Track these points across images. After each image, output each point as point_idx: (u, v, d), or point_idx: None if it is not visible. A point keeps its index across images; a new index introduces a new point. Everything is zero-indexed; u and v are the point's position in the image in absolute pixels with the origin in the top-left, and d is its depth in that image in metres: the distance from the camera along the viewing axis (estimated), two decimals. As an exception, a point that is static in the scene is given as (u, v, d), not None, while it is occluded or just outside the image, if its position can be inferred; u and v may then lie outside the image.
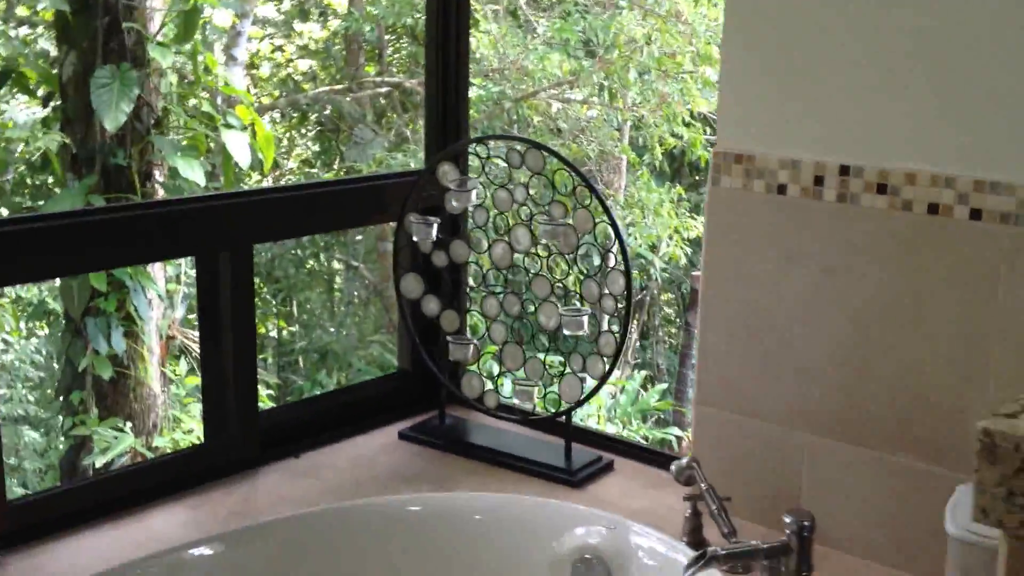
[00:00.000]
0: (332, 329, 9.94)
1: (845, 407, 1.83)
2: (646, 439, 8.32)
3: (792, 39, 1.81)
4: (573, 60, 7.71)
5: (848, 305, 1.80)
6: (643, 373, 9.49)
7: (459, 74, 2.43)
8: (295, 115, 11.70)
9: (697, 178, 11.94)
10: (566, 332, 2.17)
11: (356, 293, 10.34)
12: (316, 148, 12.12)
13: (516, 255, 2.23)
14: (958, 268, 1.68)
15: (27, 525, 1.83)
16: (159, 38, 4.20)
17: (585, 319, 2.15)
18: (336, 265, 10.43)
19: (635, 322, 11.05)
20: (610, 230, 2.11)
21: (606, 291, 2.11)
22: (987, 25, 1.62)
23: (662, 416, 9.66)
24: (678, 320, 13.24)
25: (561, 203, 2.13)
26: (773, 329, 1.90)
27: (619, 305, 2.09)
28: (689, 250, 9.46)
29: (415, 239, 2.30)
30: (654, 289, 11.71)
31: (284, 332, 10.25)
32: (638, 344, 11.15)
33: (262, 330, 10.11)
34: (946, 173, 1.68)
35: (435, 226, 2.28)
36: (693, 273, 10.37)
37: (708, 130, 9.34)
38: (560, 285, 2.22)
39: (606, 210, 2.07)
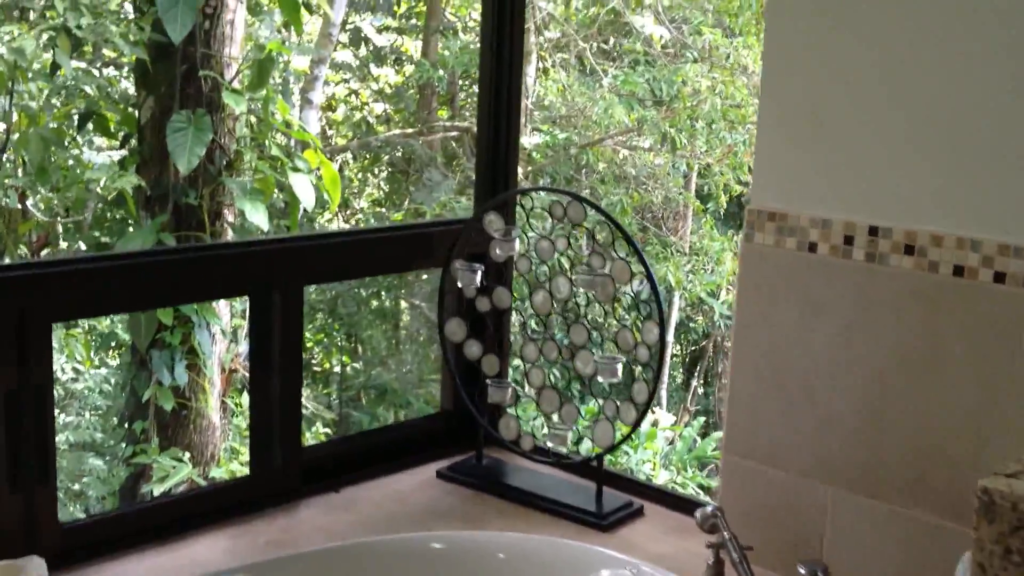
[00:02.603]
0: (393, 366, 10.08)
1: (865, 459, 1.85)
2: (702, 487, 8.24)
3: (825, 103, 1.86)
4: (639, 108, 7.79)
5: (871, 360, 1.83)
6: (701, 419, 9.41)
7: (510, 125, 2.52)
8: (367, 156, 11.98)
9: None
10: (600, 379, 2.22)
11: (419, 331, 10.48)
12: (386, 188, 12.38)
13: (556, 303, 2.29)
14: (980, 329, 1.70)
15: (77, 546, 1.93)
16: (234, 85, 4.38)
17: (619, 367, 2.20)
18: (402, 304, 10.60)
19: (698, 368, 10.98)
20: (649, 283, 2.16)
21: (641, 340, 2.16)
22: (1019, 92, 1.65)
23: (719, 464, 9.57)
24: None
25: (600, 255, 2.20)
26: (798, 381, 1.93)
27: (653, 354, 2.14)
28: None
29: (460, 285, 2.38)
30: (717, 336, 11.65)
31: (348, 368, 10.42)
32: (701, 391, 11.07)
33: (326, 364, 10.30)
34: (972, 236, 1.70)
35: (479, 273, 2.35)
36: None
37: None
38: (598, 333, 2.28)
39: (642, 261, 2.13)
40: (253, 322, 2.18)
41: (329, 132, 12.25)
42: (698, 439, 8.63)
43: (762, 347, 1.97)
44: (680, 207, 9.74)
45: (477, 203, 2.55)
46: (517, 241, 2.33)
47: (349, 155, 12.02)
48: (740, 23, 7.23)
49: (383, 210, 12.05)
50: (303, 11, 4.60)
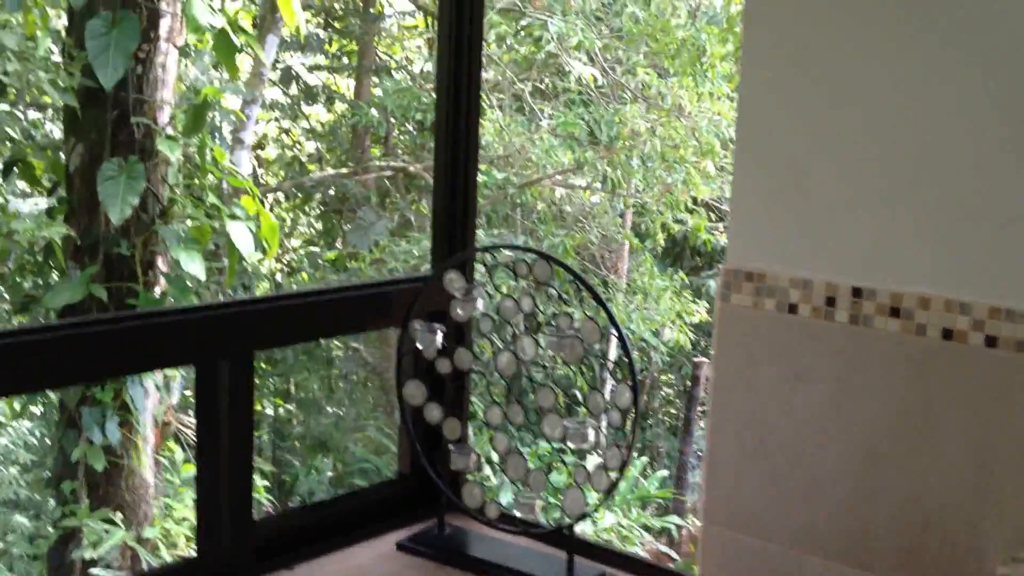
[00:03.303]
0: (330, 409, 9.86)
1: (854, 529, 1.77)
2: (646, 528, 8.17)
3: (804, 159, 1.81)
4: (577, 148, 7.79)
5: (859, 426, 1.77)
6: (643, 459, 9.37)
7: (468, 178, 2.43)
8: (299, 195, 11.79)
9: (698, 261, 11.97)
10: (570, 445, 2.12)
11: (355, 374, 10.28)
12: (319, 226, 12.19)
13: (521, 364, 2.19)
14: (972, 394, 1.64)
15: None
16: (168, 131, 4.23)
17: (591, 431, 2.11)
18: (335, 342, 10.38)
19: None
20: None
21: (612, 404, 2.07)
22: (1006, 151, 1.61)
23: (661, 503, 9.52)
24: (677, 400, 13.16)
25: (567, 315, 2.11)
26: (782, 446, 1.85)
27: (627, 419, 2.05)
28: (692, 335, 9.43)
29: (419, 346, 2.27)
30: (654, 371, 11.65)
31: (280, 409, 10.16)
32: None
33: (258, 407, 10.03)
34: (961, 299, 1.65)
35: (439, 333, 2.25)
36: (695, 359, 10.33)
37: (712, 215, 9.40)
38: (565, 396, 2.18)
39: (615, 324, 2.05)
40: (199, 392, 2.04)
41: (260, 170, 12.06)
42: (640, 478, 8.58)
43: (742, 411, 1.90)
44: (617, 245, 9.75)
45: (435, 258, 2.45)
46: (480, 300, 2.23)
47: (280, 194, 11.83)
48: (676, 64, 7.28)
49: (316, 248, 11.87)
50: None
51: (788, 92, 1.82)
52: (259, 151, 11.88)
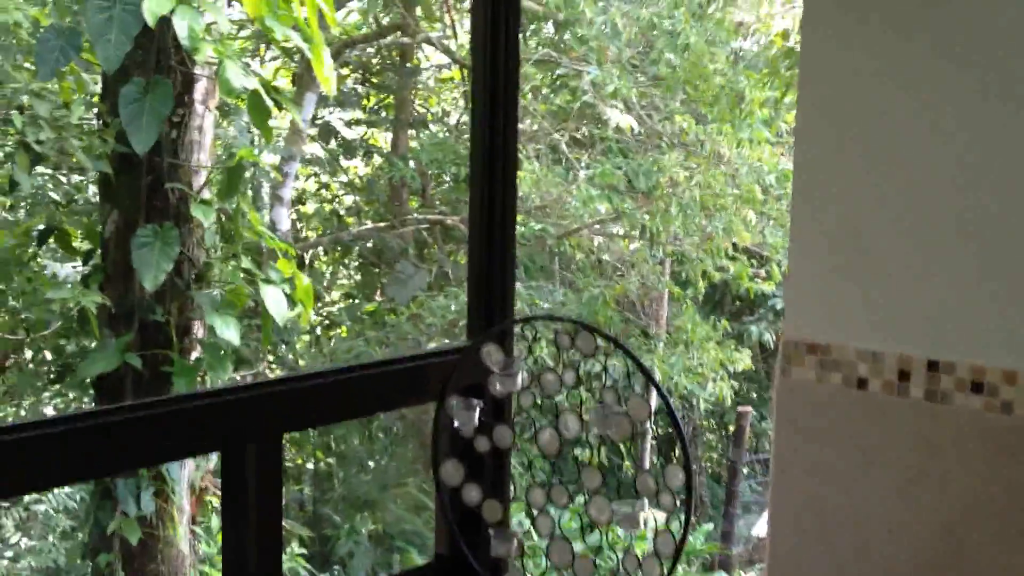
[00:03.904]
0: (371, 463, 9.74)
1: (938, 630, 1.61)
2: (693, 585, 7.90)
3: (868, 221, 1.67)
4: (616, 200, 7.69)
5: (936, 514, 1.61)
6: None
7: (505, 244, 2.32)
8: (338, 249, 11.81)
9: (738, 305, 11.74)
10: (620, 529, 1.98)
11: (395, 428, 10.17)
12: (358, 278, 12.18)
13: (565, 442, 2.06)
14: (1068, 481, 1.48)
15: None
16: (205, 194, 4.18)
17: (641, 516, 1.96)
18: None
19: (675, 454, 10.73)
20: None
21: (664, 485, 1.93)
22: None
23: (708, 557, 9.23)
24: (719, 447, 12.86)
25: (614, 389, 1.98)
26: (850, 536, 1.70)
27: (679, 502, 1.90)
28: (736, 384, 9.21)
29: (456, 424, 2.15)
30: (697, 419, 11.40)
31: (321, 464, 10.07)
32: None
33: (299, 460, 9.94)
34: (1049, 373, 1.50)
35: (478, 409, 2.12)
36: (739, 409, 10.08)
37: (753, 262, 9.22)
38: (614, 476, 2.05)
39: (667, 403, 1.91)
40: (225, 478, 1.93)
41: (299, 224, 12.09)
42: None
43: (805, 496, 1.75)
44: (658, 293, 9.59)
45: (471, 321, 2.33)
46: (520, 376, 2.11)
47: (320, 249, 11.85)
48: (715, 111, 7.17)
49: (357, 300, 11.84)
50: (273, 111, 4.42)
51: (848, 150, 1.69)
52: (298, 206, 11.93)
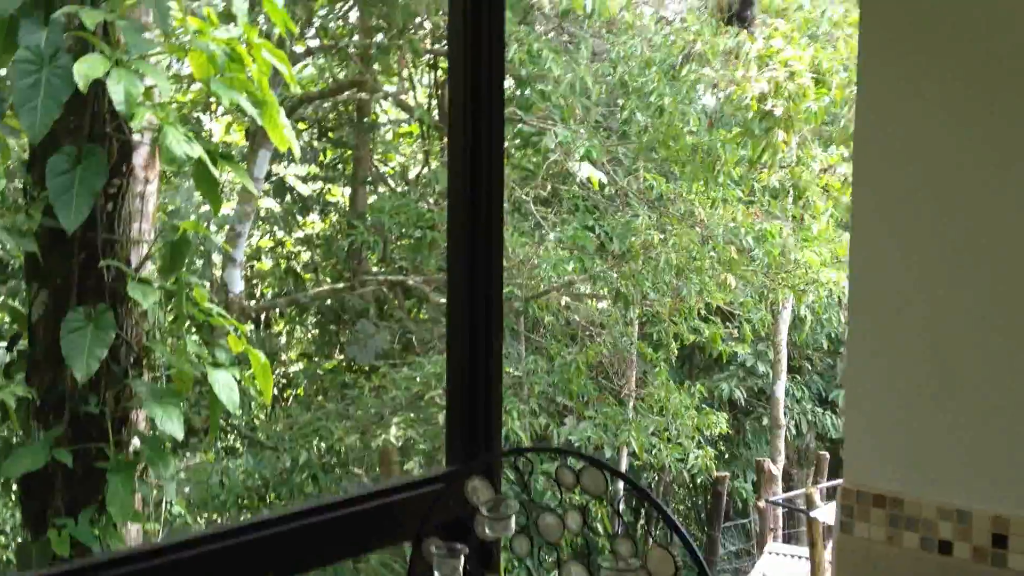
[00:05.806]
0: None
1: None
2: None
3: (955, 356, 1.35)
4: (587, 261, 7.39)
5: None
6: None
7: (489, 351, 1.98)
8: (295, 309, 11.41)
9: (708, 359, 11.44)
10: None
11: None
12: (315, 335, 11.74)
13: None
14: None
15: None
16: (145, 269, 3.80)
17: None
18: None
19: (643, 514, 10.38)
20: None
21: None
22: None
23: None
24: (692, 513, 12.49)
25: (630, 538, 1.63)
26: None
27: None
28: (713, 451, 8.88)
29: (437, 574, 1.78)
30: (667, 478, 11.05)
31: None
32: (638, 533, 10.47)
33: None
34: None
35: (462, 557, 1.76)
36: (716, 474, 9.73)
37: (727, 324, 8.94)
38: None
39: (692, 552, 1.57)
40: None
41: (254, 282, 11.66)
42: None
43: None
44: (628, 355, 9.27)
45: (451, 451, 1.98)
46: (514, 519, 1.76)
47: (276, 310, 11.45)
48: (687, 170, 6.91)
49: (314, 359, 11.38)
50: (220, 177, 4.05)
51: (919, 249, 1.38)
52: (254, 262, 11.50)
